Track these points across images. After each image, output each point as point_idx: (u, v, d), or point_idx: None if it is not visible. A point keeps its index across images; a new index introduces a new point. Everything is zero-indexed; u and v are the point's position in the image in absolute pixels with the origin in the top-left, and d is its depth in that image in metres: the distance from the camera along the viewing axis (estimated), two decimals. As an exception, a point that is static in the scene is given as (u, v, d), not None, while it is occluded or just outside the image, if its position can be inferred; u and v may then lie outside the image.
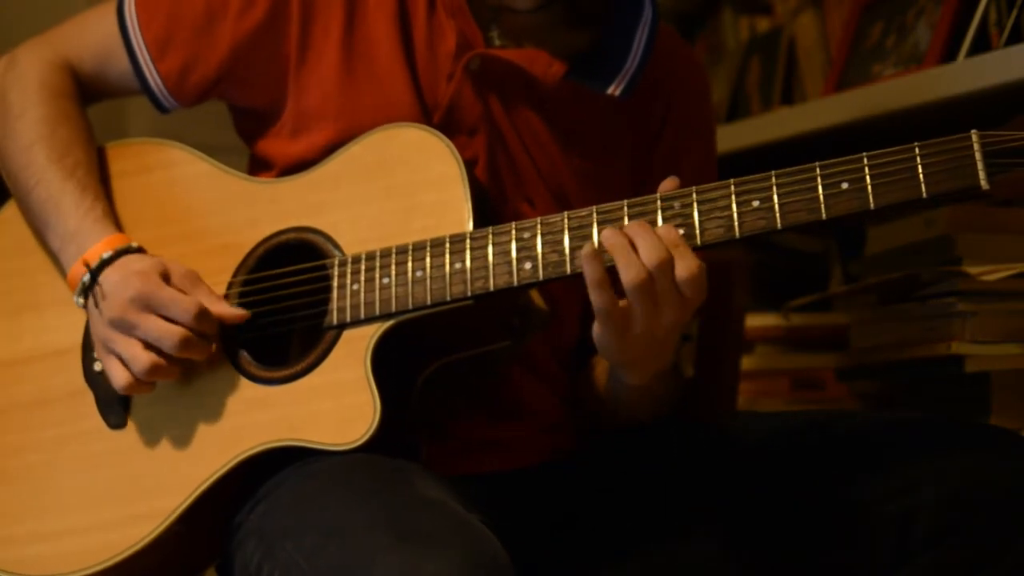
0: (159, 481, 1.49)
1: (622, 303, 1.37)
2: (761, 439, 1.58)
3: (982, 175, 1.31)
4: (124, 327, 1.47)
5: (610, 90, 1.59)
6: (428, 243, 1.45)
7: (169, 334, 1.45)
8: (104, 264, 1.50)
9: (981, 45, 1.94)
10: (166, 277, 1.49)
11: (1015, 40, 1.87)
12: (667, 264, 1.34)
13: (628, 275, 1.35)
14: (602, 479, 1.61)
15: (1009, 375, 1.85)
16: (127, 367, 1.47)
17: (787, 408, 2.09)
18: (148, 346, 1.46)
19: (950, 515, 1.43)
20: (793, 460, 1.54)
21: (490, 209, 1.49)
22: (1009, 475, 1.43)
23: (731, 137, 2.28)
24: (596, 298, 1.36)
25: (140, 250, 1.52)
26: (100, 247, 1.51)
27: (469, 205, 1.46)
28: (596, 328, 1.39)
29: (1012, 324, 1.85)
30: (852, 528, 1.48)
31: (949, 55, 1.99)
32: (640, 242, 1.35)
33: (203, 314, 1.46)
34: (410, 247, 1.46)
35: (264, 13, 1.59)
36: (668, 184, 1.40)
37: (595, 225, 1.41)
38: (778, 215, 1.36)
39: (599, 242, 1.38)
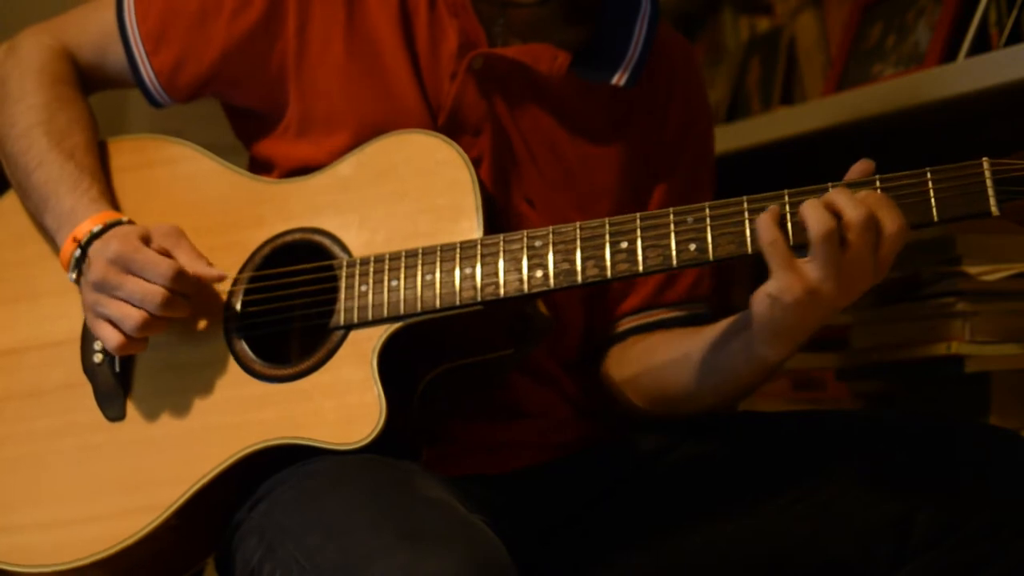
0: (158, 474, 1.49)
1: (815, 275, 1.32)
2: (761, 439, 1.58)
3: (992, 202, 1.32)
4: (107, 288, 1.47)
5: (615, 80, 1.60)
6: (438, 248, 1.46)
7: (151, 295, 1.45)
8: (93, 237, 1.50)
9: (981, 45, 1.94)
10: (146, 240, 1.49)
11: (1015, 40, 1.87)
12: (870, 222, 1.31)
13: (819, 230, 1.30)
14: (603, 480, 1.61)
15: (1009, 375, 1.85)
16: (117, 328, 1.47)
17: (787, 408, 2.09)
18: (134, 305, 1.46)
19: (950, 515, 1.43)
20: (793, 460, 1.54)
21: (497, 216, 1.49)
22: (1009, 476, 1.43)
23: (731, 137, 2.28)
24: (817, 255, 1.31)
25: (130, 223, 1.53)
26: (90, 222, 1.52)
27: (480, 212, 1.46)
28: (785, 297, 1.34)
29: (1012, 324, 1.85)
30: (852, 528, 1.47)
31: (949, 55, 1.99)
32: (842, 206, 1.32)
33: (179, 276, 1.47)
34: (420, 251, 1.46)
35: (259, 14, 1.59)
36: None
37: (607, 237, 1.41)
38: (791, 232, 1.36)
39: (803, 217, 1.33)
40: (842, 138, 2.14)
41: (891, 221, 1.32)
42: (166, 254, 1.49)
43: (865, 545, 1.47)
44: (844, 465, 1.50)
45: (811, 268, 1.32)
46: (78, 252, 1.51)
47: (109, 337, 1.48)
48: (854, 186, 1.36)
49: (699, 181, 1.68)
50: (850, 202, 1.31)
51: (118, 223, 1.52)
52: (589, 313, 1.67)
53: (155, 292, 1.45)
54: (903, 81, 2.03)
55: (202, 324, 1.53)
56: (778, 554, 1.51)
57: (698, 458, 1.59)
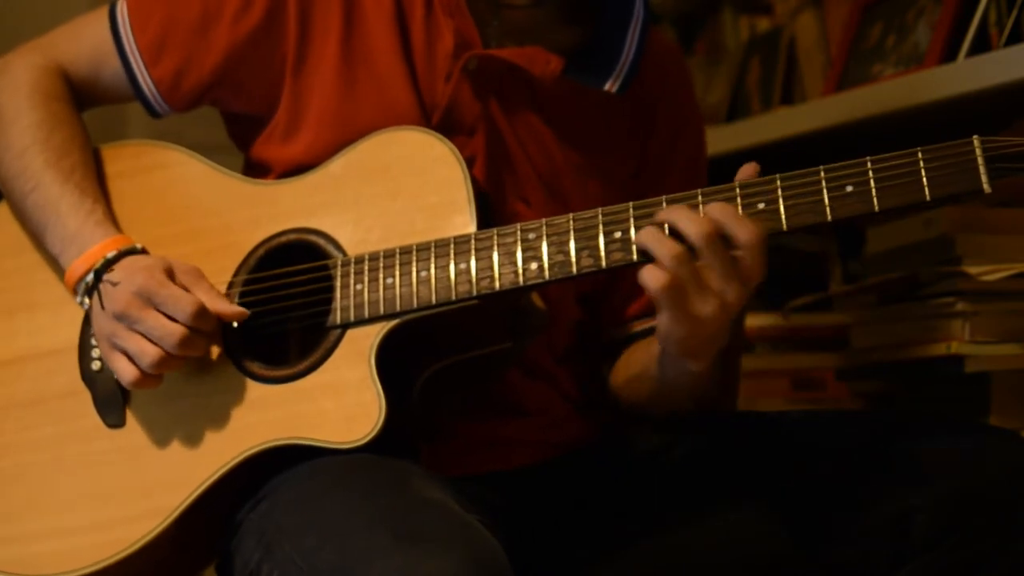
0: (160, 479, 1.49)
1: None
2: (760, 439, 1.58)
3: (984, 179, 1.33)
4: (128, 321, 1.46)
5: (607, 86, 1.60)
6: (432, 244, 1.46)
7: (169, 332, 1.45)
8: (108, 263, 1.50)
9: (981, 45, 1.94)
10: (170, 274, 1.48)
11: (1015, 40, 1.87)
12: (714, 237, 1.33)
13: (668, 261, 1.33)
14: (601, 479, 1.62)
15: (1009, 375, 1.85)
16: (133, 362, 1.47)
17: (787, 408, 2.09)
18: (152, 341, 1.46)
19: (950, 515, 1.43)
20: (792, 460, 1.54)
21: (490, 211, 1.50)
22: (1009, 476, 1.43)
23: (731, 137, 2.28)
24: (661, 284, 1.34)
25: (144, 251, 1.52)
26: (103, 247, 1.51)
27: (473, 207, 1.46)
28: (664, 318, 1.37)
29: (1012, 324, 1.86)
30: (851, 528, 1.48)
31: (949, 55, 1.99)
32: (682, 224, 1.34)
33: (201, 313, 1.46)
34: (414, 248, 1.46)
35: (261, 17, 1.59)
36: (747, 171, 1.39)
37: (600, 227, 1.41)
38: (784, 217, 1.37)
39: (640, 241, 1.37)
40: (842, 138, 2.14)
41: (743, 232, 1.33)
42: (186, 291, 1.48)
43: (865, 545, 1.47)
44: (844, 465, 1.50)
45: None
46: (90, 277, 1.50)
47: (124, 370, 1.47)
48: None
49: (690, 186, 1.68)
50: (690, 222, 1.34)
51: (132, 250, 1.51)
52: (585, 311, 1.67)
53: (174, 330, 1.45)
54: (903, 81, 2.03)
55: None
56: (778, 553, 1.51)
57: (697, 457, 1.59)
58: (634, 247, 1.40)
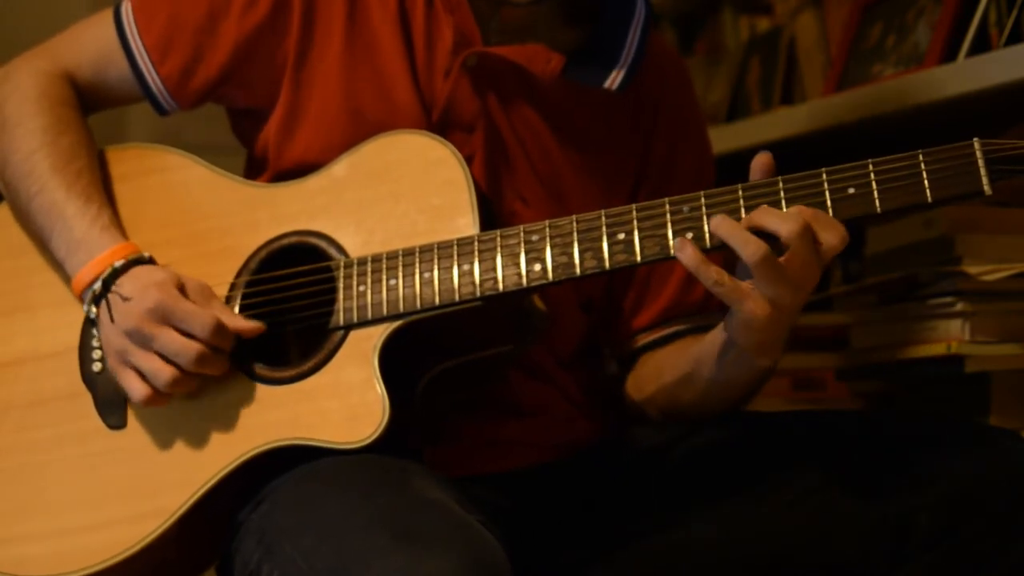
0: (162, 480, 1.48)
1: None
2: (761, 439, 1.58)
3: (985, 181, 1.34)
4: (141, 339, 1.46)
5: (607, 84, 1.60)
6: (435, 246, 1.46)
7: (186, 349, 1.44)
8: (116, 273, 1.49)
9: (981, 45, 1.95)
10: (182, 290, 1.48)
11: (1015, 40, 1.88)
12: (807, 233, 1.33)
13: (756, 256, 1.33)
14: (603, 480, 1.62)
15: (1009, 375, 1.85)
16: (146, 380, 1.47)
17: (787, 408, 2.09)
18: (166, 359, 1.45)
19: (950, 516, 1.43)
20: (793, 460, 1.54)
21: (492, 213, 1.50)
22: (1009, 476, 1.43)
23: (731, 137, 2.28)
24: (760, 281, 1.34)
25: (151, 260, 1.52)
26: (111, 254, 1.50)
27: (475, 210, 1.47)
28: (747, 314, 1.36)
29: (1012, 324, 1.86)
30: (851, 528, 1.48)
31: (949, 55, 1.99)
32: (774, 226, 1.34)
33: (220, 329, 1.45)
34: (417, 250, 1.47)
35: (266, 11, 1.59)
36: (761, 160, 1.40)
37: (604, 228, 1.42)
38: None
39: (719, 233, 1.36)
40: (842, 138, 2.14)
41: (831, 236, 1.34)
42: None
43: (865, 545, 1.47)
44: (844, 465, 1.51)
45: (763, 288, 1.35)
46: (98, 286, 1.49)
47: (136, 389, 1.47)
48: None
49: (696, 188, 1.68)
50: (781, 220, 1.33)
51: (140, 259, 1.51)
52: (588, 318, 1.67)
53: (191, 348, 1.44)
54: (903, 81, 2.03)
55: None
56: (778, 553, 1.52)
57: (698, 458, 1.60)
58: (637, 248, 1.40)
